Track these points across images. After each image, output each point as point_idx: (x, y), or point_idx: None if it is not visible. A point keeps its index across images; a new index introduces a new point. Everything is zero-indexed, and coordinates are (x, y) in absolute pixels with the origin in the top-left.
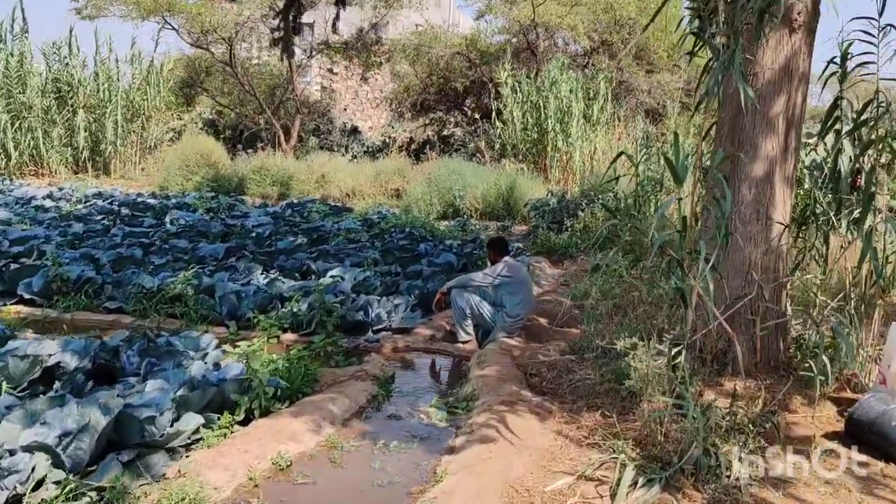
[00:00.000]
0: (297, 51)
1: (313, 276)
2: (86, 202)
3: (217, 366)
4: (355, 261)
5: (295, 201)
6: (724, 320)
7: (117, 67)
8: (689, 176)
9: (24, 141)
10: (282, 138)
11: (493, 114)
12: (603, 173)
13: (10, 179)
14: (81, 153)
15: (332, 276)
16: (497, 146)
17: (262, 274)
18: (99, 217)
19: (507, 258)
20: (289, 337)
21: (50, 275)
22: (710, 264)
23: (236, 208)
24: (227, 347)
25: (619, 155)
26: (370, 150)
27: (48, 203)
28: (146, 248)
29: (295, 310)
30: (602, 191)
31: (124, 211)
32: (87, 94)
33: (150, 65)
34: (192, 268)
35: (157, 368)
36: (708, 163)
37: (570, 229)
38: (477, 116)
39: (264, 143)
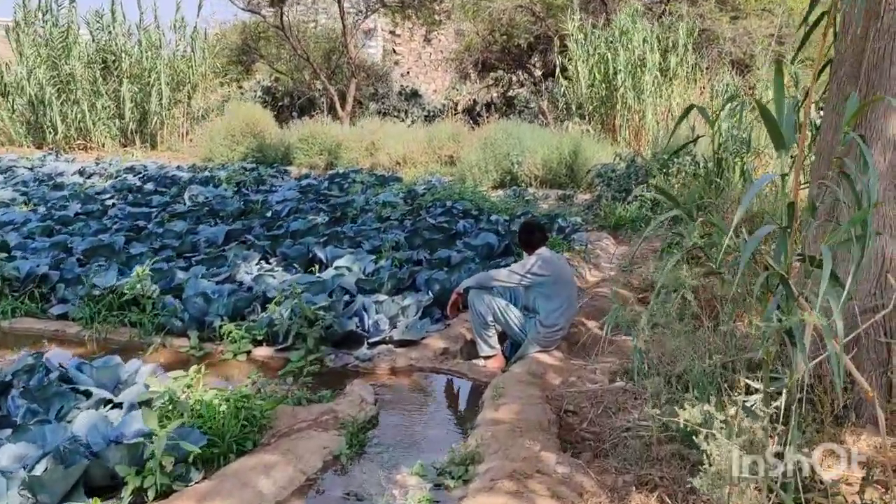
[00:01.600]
0: (352, 11)
1: (318, 267)
2: (116, 177)
3: (137, 407)
4: (376, 244)
5: (341, 171)
6: (847, 351)
7: (161, 35)
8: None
9: (72, 114)
10: (337, 104)
11: (557, 70)
12: (678, 134)
13: (58, 154)
14: (128, 125)
15: (336, 268)
16: (561, 106)
17: (257, 264)
18: (107, 196)
19: (542, 250)
20: (262, 353)
21: None
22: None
23: (268, 181)
24: (153, 382)
25: (689, 109)
26: (431, 114)
27: (75, 179)
28: (136, 233)
29: (274, 316)
30: (678, 154)
31: (148, 186)
32: (131, 63)
33: (195, 31)
34: (156, 260)
35: (37, 420)
36: (817, 118)
37: (639, 199)
38: (541, 74)
39: (320, 110)
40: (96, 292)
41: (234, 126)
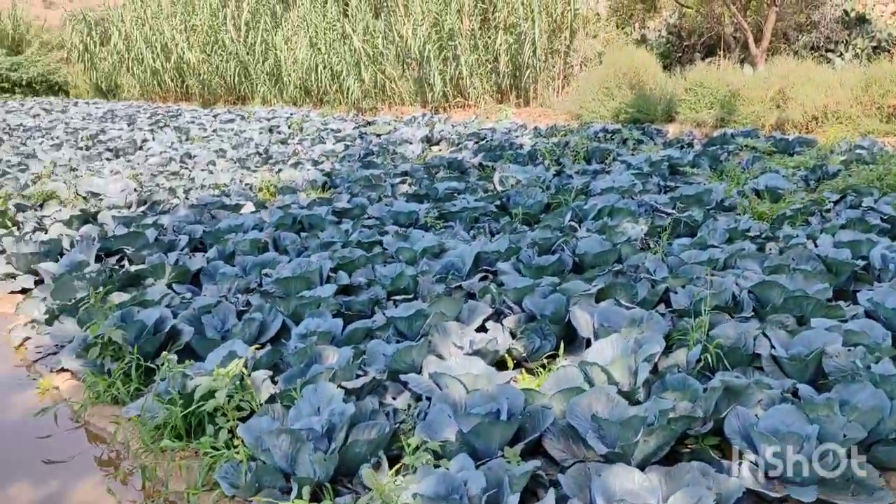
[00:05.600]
0: None
1: (568, 345)
2: (457, 146)
3: None
4: (683, 304)
5: (729, 132)
6: None
7: None
8: None
9: (450, 70)
10: (751, 40)
11: None
12: None
13: (435, 112)
14: (502, 80)
15: (582, 364)
16: None
17: (479, 330)
18: (412, 177)
19: None
20: None
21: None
22: None
23: (613, 152)
24: None
25: None
26: (880, 45)
27: (412, 149)
28: (368, 250)
29: None
30: None
31: (474, 160)
32: (507, 10)
33: None
34: (337, 310)
35: None
36: None
37: None
38: None
39: (730, 50)
40: (180, 389)
41: (608, 76)
